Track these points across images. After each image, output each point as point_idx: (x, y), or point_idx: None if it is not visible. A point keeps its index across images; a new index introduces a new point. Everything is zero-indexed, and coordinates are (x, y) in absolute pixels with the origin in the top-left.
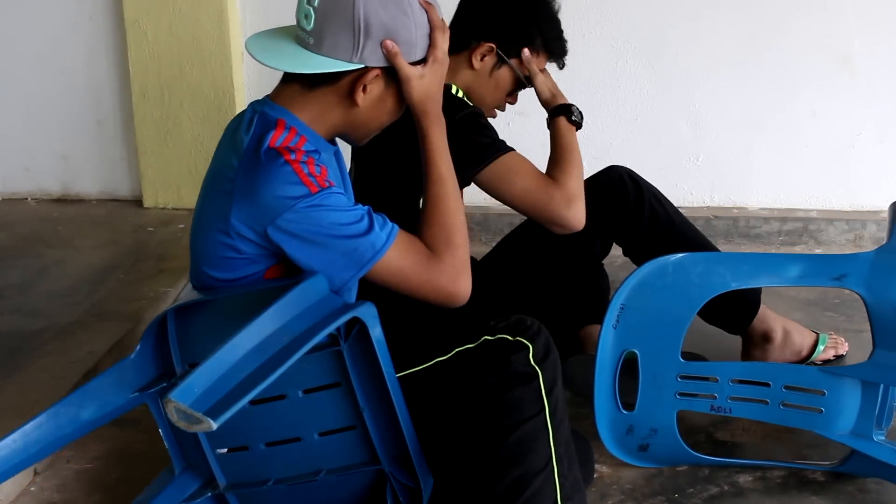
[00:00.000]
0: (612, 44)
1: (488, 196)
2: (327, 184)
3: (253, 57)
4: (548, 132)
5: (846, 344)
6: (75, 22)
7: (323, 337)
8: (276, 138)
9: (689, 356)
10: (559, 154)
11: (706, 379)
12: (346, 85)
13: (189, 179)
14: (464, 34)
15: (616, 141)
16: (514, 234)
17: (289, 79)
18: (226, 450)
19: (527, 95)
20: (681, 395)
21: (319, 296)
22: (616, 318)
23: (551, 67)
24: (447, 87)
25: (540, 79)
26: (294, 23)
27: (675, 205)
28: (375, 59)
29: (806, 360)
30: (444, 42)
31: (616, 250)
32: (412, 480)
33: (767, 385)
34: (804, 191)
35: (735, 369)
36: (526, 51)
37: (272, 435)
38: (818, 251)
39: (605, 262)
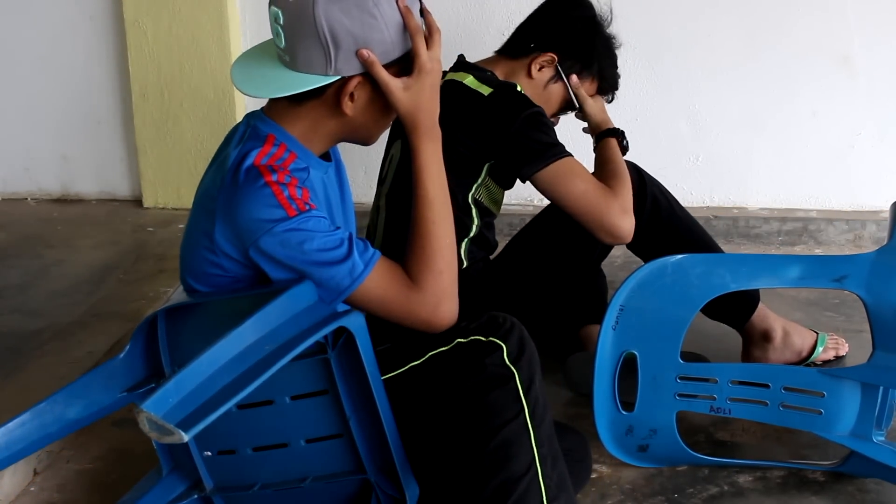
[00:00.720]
0: None
1: None
2: (307, 207)
3: (236, 87)
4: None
5: (846, 345)
6: (75, 22)
7: (305, 347)
8: (263, 155)
9: (689, 356)
10: (613, 169)
11: (705, 380)
12: (331, 97)
13: (189, 179)
14: (528, 40)
15: None
16: (517, 237)
17: None
18: (213, 453)
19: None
20: (680, 395)
21: (307, 303)
22: (615, 319)
23: None
24: (512, 87)
25: (590, 103)
26: None
27: None
28: (352, 68)
29: (806, 360)
30: (426, 48)
31: (616, 250)
32: (397, 490)
33: (767, 386)
34: (804, 191)
35: (734, 370)
36: (574, 77)
37: (259, 440)
38: (818, 251)
39: (604, 262)
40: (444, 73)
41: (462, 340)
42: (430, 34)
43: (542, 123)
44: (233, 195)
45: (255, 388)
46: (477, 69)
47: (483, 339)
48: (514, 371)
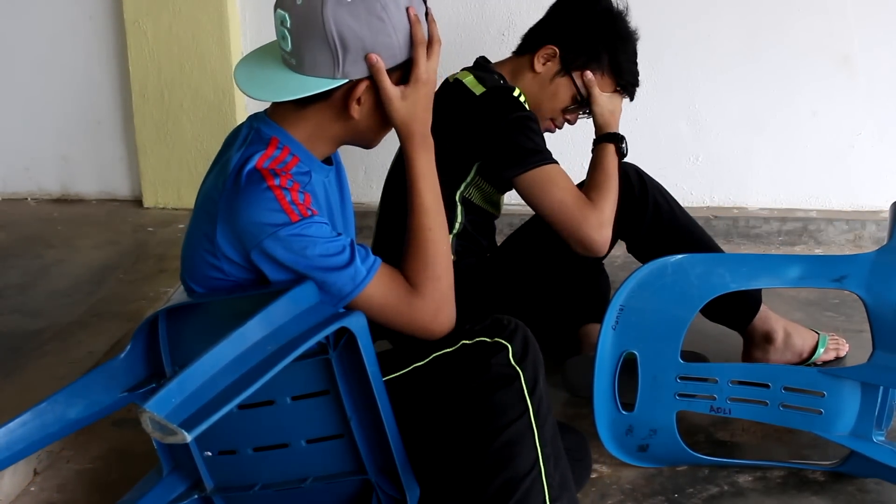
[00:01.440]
0: None
1: None
2: (309, 212)
3: (241, 89)
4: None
5: (847, 345)
6: (75, 22)
7: (308, 347)
8: (265, 158)
9: (689, 355)
10: (600, 178)
11: (706, 380)
12: (338, 100)
13: (189, 179)
14: (535, 37)
15: None
16: (516, 235)
17: None
18: (213, 453)
19: None
20: (680, 395)
21: (308, 304)
22: (615, 319)
23: None
24: (510, 90)
25: (600, 103)
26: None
27: None
28: (359, 71)
29: (806, 361)
30: (426, 60)
31: (616, 249)
32: (398, 491)
33: (767, 386)
34: (804, 191)
35: (734, 370)
36: (588, 73)
37: (260, 440)
38: (818, 251)
39: (605, 262)
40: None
41: (467, 342)
42: (430, 44)
43: (528, 128)
44: (234, 198)
45: (256, 389)
46: (484, 69)
47: (488, 339)
48: (520, 371)
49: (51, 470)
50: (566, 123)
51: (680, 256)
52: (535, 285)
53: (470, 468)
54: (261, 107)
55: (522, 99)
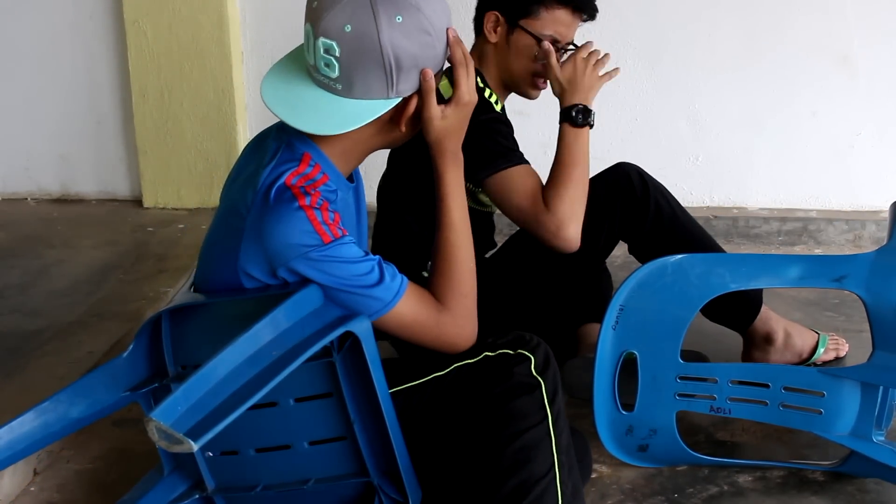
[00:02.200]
0: (611, 44)
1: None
2: (340, 233)
3: (276, 116)
4: (547, 132)
5: (847, 345)
6: (75, 22)
7: (313, 352)
8: (296, 174)
9: (689, 355)
10: (557, 169)
11: (705, 380)
12: (386, 116)
13: (189, 179)
14: (479, 13)
15: (616, 141)
16: (517, 235)
17: None
18: (215, 453)
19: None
20: (680, 395)
21: (313, 307)
22: (615, 319)
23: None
24: (480, 91)
25: (556, 66)
26: (296, 44)
27: None
28: (411, 87)
29: (806, 361)
30: (467, 81)
31: (616, 249)
32: (400, 494)
33: (767, 386)
34: (804, 191)
35: (734, 370)
36: (542, 10)
37: (262, 441)
38: (818, 251)
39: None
40: None
41: (490, 353)
42: (465, 65)
43: (494, 131)
44: (264, 216)
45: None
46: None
47: (511, 351)
48: (541, 381)
49: (51, 470)
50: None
51: (680, 256)
52: (535, 285)
53: (486, 469)
54: (266, 111)
55: (493, 100)
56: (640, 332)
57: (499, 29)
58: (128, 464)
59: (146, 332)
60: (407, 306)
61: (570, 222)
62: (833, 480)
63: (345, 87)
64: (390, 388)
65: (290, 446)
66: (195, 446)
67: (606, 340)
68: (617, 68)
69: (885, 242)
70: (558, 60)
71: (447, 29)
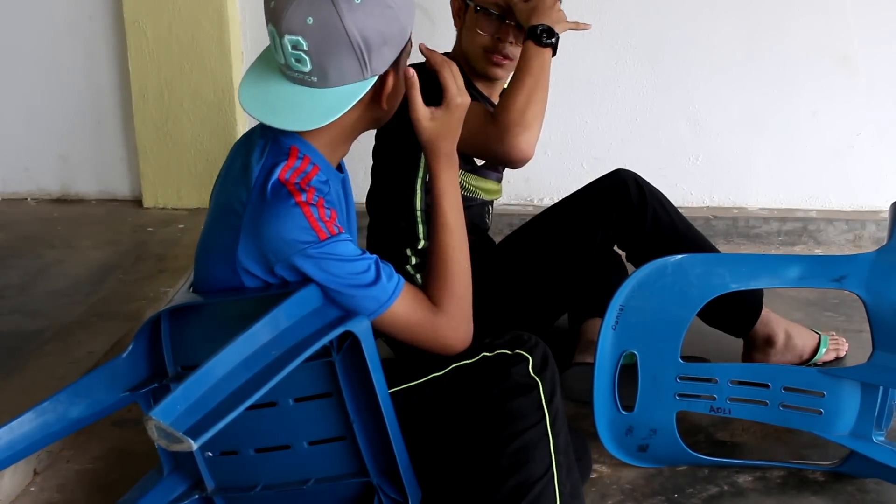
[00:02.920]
0: (611, 44)
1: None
2: (336, 230)
3: (259, 120)
4: (547, 132)
5: (846, 345)
6: (75, 22)
7: (313, 351)
8: (287, 169)
9: (689, 359)
10: (511, 81)
11: (705, 380)
12: (366, 98)
13: (189, 179)
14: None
15: (616, 141)
16: (515, 235)
17: None
18: (215, 453)
19: None
20: (680, 395)
21: (313, 306)
22: (615, 319)
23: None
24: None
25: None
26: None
27: (675, 205)
28: (384, 63)
29: (807, 362)
30: (454, 82)
31: (617, 250)
32: (400, 494)
33: (767, 386)
34: (804, 191)
35: (734, 370)
36: None
37: (262, 441)
38: (818, 251)
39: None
40: None
41: (487, 354)
42: (448, 67)
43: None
44: (261, 213)
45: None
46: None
47: (509, 352)
48: (539, 381)
49: (51, 470)
50: (510, 46)
51: (680, 256)
52: (537, 283)
53: (484, 470)
54: None
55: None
56: (640, 332)
57: (465, 16)
58: (128, 464)
59: (146, 333)
60: (402, 307)
61: (515, 127)
62: (833, 480)
63: (320, 78)
64: (389, 389)
65: (290, 446)
66: (194, 445)
67: (606, 340)
68: (588, 24)
69: (885, 242)
70: (505, 19)
71: (419, 45)
